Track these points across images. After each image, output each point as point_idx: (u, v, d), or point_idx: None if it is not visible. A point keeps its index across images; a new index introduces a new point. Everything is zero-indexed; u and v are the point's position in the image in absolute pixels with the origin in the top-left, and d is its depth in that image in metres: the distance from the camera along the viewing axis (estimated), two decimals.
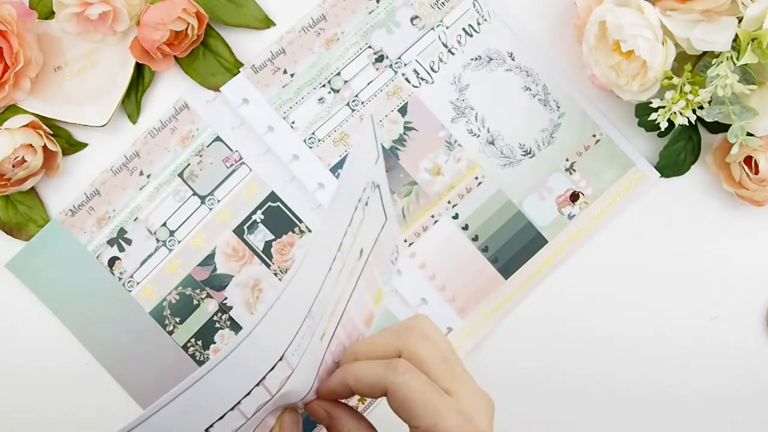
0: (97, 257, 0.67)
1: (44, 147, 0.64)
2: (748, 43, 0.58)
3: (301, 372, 0.44)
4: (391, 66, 0.69)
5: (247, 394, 0.41)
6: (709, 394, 0.71)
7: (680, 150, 0.69)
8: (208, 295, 0.68)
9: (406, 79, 0.69)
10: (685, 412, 0.71)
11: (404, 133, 0.69)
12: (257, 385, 0.41)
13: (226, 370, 0.38)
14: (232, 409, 0.42)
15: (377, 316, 0.52)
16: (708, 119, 0.62)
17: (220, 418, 0.42)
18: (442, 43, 0.70)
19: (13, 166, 0.62)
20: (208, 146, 0.68)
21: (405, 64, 0.69)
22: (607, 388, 0.70)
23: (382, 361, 0.46)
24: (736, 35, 0.58)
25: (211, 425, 0.42)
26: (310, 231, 0.68)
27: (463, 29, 0.70)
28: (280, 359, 0.41)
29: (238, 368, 0.39)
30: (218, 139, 0.68)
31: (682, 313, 0.71)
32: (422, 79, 0.69)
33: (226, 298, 0.68)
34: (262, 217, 0.68)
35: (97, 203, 0.67)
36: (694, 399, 0.71)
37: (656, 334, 0.70)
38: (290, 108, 0.68)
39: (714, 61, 0.60)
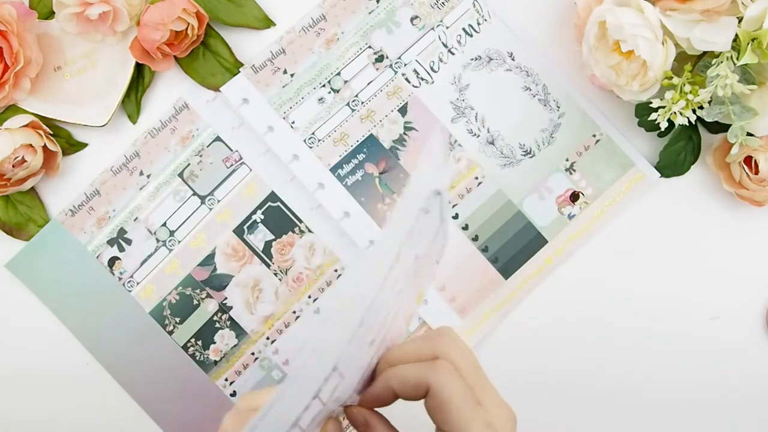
0: (97, 257, 0.67)
1: (44, 147, 0.64)
2: (748, 43, 0.58)
3: (350, 379, 0.44)
4: (391, 66, 0.69)
5: (306, 408, 0.41)
6: (709, 394, 0.71)
7: (680, 150, 0.69)
8: (208, 295, 0.68)
9: (406, 79, 0.69)
10: (685, 411, 0.71)
11: (404, 133, 0.69)
12: (314, 398, 0.41)
13: (289, 388, 0.38)
14: (294, 425, 0.41)
15: (416, 316, 0.53)
16: (708, 119, 0.62)
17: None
18: (442, 43, 0.70)
19: (13, 166, 0.62)
20: (208, 146, 0.68)
21: (405, 64, 0.69)
22: (607, 388, 0.70)
23: (426, 362, 0.46)
24: (736, 35, 0.58)
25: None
26: (310, 231, 0.68)
27: (463, 29, 0.70)
28: (334, 370, 0.40)
29: (296, 383, 0.39)
30: (218, 139, 0.68)
31: (682, 313, 0.71)
32: (422, 79, 0.69)
33: (226, 298, 0.68)
34: (262, 217, 0.68)
35: (97, 203, 0.67)
36: (694, 399, 0.71)
37: (656, 334, 0.70)
38: (290, 108, 0.68)
39: (714, 61, 0.60)
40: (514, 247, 0.70)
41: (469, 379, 0.46)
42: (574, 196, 0.70)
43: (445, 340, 0.47)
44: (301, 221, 0.68)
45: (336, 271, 0.68)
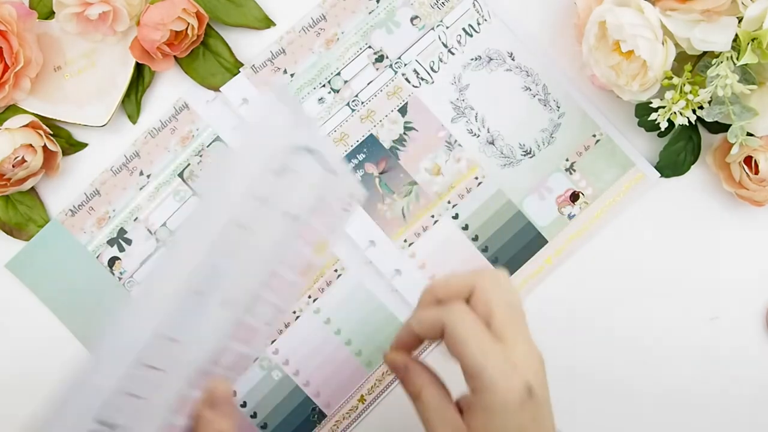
0: (97, 257, 0.67)
1: (44, 147, 0.64)
2: (748, 43, 0.58)
3: (196, 340, 0.45)
4: (391, 66, 0.69)
5: (127, 375, 0.43)
6: (709, 394, 0.71)
7: (680, 150, 0.69)
8: None
9: (406, 79, 0.69)
10: (685, 411, 0.71)
11: (404, 133, 0.69)
12: (144, 366, 0.43)
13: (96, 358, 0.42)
14: (118, 393, 0.43)
15: (317, 266, 0.53)
16: (708, 119, 0.62)
17: (106, 404, 0.43)
18: (442, 43, 0.70)
19: (13, 166, 0.62)
20: (208, 146, 0.68)
21: (405, 64, 0.69)
22: (607, 388, 0.70)
23: (442, 305, 0.48)
24: (736, 35, 0.58)
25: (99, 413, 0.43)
26: None
27: (463, 29, 0.70)
28: (158, 336, 0.43)
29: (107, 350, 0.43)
30: (218, 139, 0.68)
31: (682, 313, 0.71)
32: (422, 79, 0.69)
33: None
34: None
35: (97, 203, 0.67)
36: (694, 398, 0.71)
37: (656, 334, 0.70)
38: None
39: (714, 61, 0.60)
40: (514, 247, 0.70)
41: (498, 315, 0.46)
42: (574, 196, 0.70)
43: (486, 275, 0.48)
44: None
45: (336, 271, 0.68)
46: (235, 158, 0.45)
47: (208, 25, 0.66)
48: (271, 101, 0.46)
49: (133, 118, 0.68)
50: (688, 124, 0.62)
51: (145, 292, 0.44)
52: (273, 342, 0.68)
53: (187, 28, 0.63)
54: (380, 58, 0.69)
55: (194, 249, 0.43)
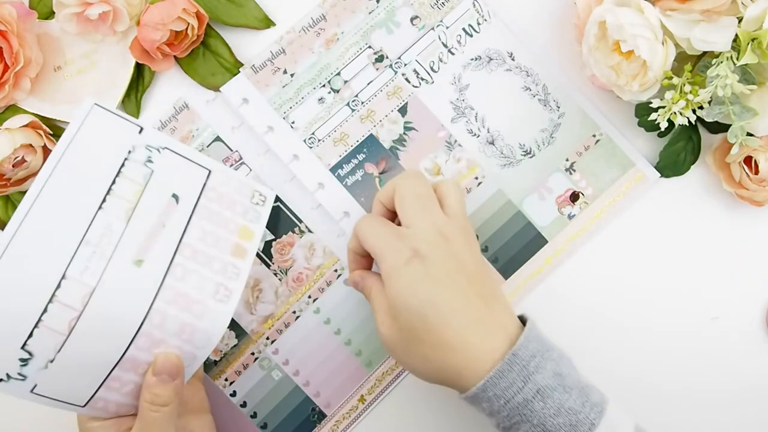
0: None
1: (44, 147, 0.64)
2: (748, 43, 0.58)
3: (116, 293, 0.55)
4: (391, 66, 0.69)
5: (44, 311, 0.52)
6: (709, 394, 0.71)
7: (680, 150, 0.69)
8: None
9: (406, 79, 0.69)
10: (685, 411, 0.70)
11: (404, 133, 0.69)
12: (50, 302, 0.52)
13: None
14: (36, 326, 0.52)
15: (252, 250, 0.62)
16: (708, 119, 0.62)
17: (30, 336, 0.52)
18: (442, 43, 0.70)
19: (13, 166, 0.62)
20: (208, 146, 0.68)
21: (405, 64, 0.69)
22: (606, 388, 0.70)
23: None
24: (736, 35, 0.58)
25: (25, 343, 0.52)
26: (310, 231, 0.68)
27: (463, 29, 0.70)
28: (63, 278, 0.53)
29: (12, 291, 0.52)
30: (218, 139, 0.68)
31: (682, 312, 0.71)
32: (422, 79, 0.69)
33: None
34: None
35: None
36: (694, 398, 0.70)
37: (656, 334, 0.70)
38: (290, 108, 0.68)
39: (714, 61, 0.60)
40: (513, 247, 0.70)
41: (407, 205, 0.60)
42: (574, 196, 0.70)
43: (402, 175, 0.63)
44: (301, 221, 0.68)
45: (336, 271, 0.68)
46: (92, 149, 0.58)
47: (208, 25, 0.66)
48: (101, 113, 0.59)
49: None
50: (688, 124, 0.62)
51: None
52: (273, 342, 0.68)
53: (187, 28, 0.63)
54: (380, 58, 0.69)
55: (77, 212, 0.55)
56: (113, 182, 0.57)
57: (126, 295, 0.55)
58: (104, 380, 0.55)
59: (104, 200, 0.56)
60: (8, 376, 0.53)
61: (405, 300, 0.56)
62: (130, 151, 0.59)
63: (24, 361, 0.52)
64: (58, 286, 0.52)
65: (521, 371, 0.54)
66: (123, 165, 0.58)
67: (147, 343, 0.56)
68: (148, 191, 0.58)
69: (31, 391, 0.54)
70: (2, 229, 0.66)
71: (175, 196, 0.60)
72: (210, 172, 0.63)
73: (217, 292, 0.59)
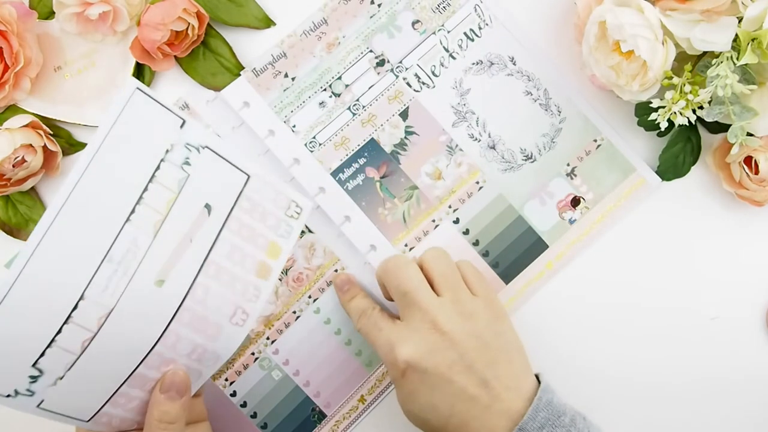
0: None
1: (44, 147, 0.64)
2: (748, 43, 0.58)
3: (133, 315, 0.53)
4: (392, 70, 0.69)
5: (59, 332, 0.50)
6: (709, 394, 0.70)
7: (679, 152, 0.69)
8: None
9: (408, 84, 0.69)
10: (684, 411, 0.70)
11: (405, 138, 0.69)
12: (65, 323, 0.50)
13: (9, 314, 0.48)
14: (49, 346, 0.50)
15: (276, 270, 0.60)
16: (708, 119, 0.62)
17: (42, 355, 0.50)
18: (444, 47, 0.70)
19: (13, 166, 0.62)
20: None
21: (406, 69, 0.69)
22: (606, 388, 0.69)
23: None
24: (736, 35, 0.59)
25: (36, 361, 0.50)
26: (310, 231, 0.68)
27: (465, 33, 0.70)
28: (81, 298, 0.50)
29: (28, 309, 0.49)
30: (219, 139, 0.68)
31: (682, 313, 0.70)
32: (423, 83, 0.69)
33: None
34: None
35: None
36: (694, 398, 0.70)
37: (656, 334, 0.70)
38: (291, 112, 0.68)
39: (714, 61, 0.60)
40: (514, 251, 0.69)
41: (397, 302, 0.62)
42: (575, 201, 0.70)
43: (386, 269, 0.64)
44: None
45: (336, 271, 0.68)
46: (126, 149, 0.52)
47: (208, 24, 0.66)
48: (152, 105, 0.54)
49: None
50: (687, 125, 0.62)
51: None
52: (273, 342, 0.67)
53: (187, 28, 0.64)
54: (381, 62, 0.69)
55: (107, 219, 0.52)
56: (145, 189, 0.53)
57: (143, 318, 0.53)
58: (111, 396, 0.55)
59: (133, 211, 0.52)
60: (16, 392, 0.51)
61: (405, 407, 0.61)
62: (167, 150, 0.54)
63: (34, 378, 0.51)
64: (75, 307, 0.50)
65: None
66: (158, 168, 0.53)
67: (157, 362, 0.55)
68: (180, 200, 0.54)
69: (38, 406, 0.53)
70: (6, 232, 0.66)
71: (207, 206, 0.56)
72: (249, 177, 0.59)
73: (234, 315, 0.58)
